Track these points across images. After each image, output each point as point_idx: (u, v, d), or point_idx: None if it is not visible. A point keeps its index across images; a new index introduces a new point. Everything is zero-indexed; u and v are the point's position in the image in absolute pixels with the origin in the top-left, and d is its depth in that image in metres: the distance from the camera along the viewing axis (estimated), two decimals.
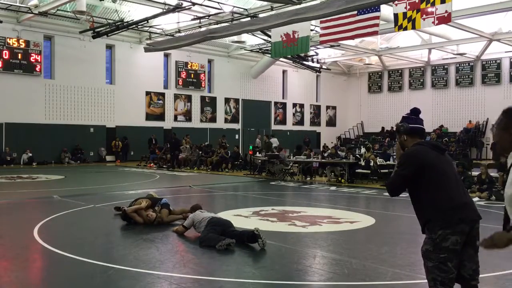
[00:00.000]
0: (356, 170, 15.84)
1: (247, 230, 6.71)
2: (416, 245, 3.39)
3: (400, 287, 4.90)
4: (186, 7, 18.68)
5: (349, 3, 9.44)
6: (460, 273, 3.24)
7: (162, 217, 7.92)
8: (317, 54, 27.22)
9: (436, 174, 3.26)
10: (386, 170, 15.52)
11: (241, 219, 8.59)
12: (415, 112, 3.59)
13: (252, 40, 26.20)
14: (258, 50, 26.58)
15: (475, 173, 13.88)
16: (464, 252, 3.22)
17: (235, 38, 23.95)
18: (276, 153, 17.89)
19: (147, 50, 14.58)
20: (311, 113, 36.21)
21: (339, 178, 15.93)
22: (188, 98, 28.91)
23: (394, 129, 3.73)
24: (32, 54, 22.67)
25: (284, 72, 34.02)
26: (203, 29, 20.43)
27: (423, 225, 3.32)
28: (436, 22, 11.88)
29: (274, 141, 22.99)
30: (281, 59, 26.63)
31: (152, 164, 22.35)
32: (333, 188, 14.44)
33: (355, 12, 12.96)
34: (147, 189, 13.04)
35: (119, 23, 19.93)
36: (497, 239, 2.82)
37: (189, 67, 28.58)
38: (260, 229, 6.49)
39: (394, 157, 16.96)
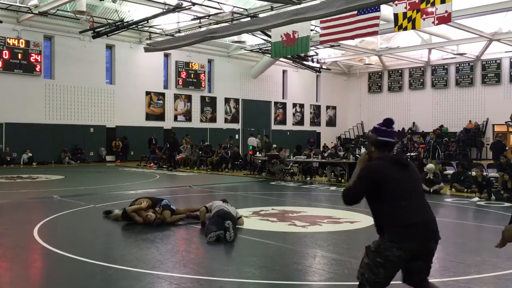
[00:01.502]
0: None
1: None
2: None
3: (400, 287, 4.90)
4: (186, 7, 18.69)
5: (349, 3, 9.44)
6: (409, 278, 3.29)
7: (162, 218, 7.91)
8: (317, 54, 27.23)
9: (392, 191, 3.19)
10: None
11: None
12: (388, 124, 3.42)
13: (252, 40, 26.21)
14: (258, 50, 26.59)
15: (474, 173, 13.87)
16: (413, 264, 3.22)
17: (235, 38, 23.94)
18: (276, 153, 17.89)
19: (147, 50, 14.56)
20: (311, 113, 36.22)
21: (339, 178, 15.93)
22: (188, 98, 28.91)
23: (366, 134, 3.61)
24: (32, 54, 22.67)
25: (284, 72, 34.03)
26: (203, 29, 20.43)
27: (377, 231, 3.32)
28: (436, 22, 11.88)
29: (252, 141, 23.11)
30: (281, 59, 26.64)
31: (152, 164, 22.34)
32: (333, 188, 14.43)
33: (355, 12, 12.95)
34: (147, 189, 13.07)
35: (119, 23, 19.93)
36: (505, 232, 2.86)
37: (189, 67, 28.59)
38: (230, 223, 6.78)
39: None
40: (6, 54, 21.93)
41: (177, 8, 18.38)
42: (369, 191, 3.24)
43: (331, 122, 37.69)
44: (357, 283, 3.33)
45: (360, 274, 3.28)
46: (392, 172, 3.23)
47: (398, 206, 3.17)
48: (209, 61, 30.07)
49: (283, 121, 34.24)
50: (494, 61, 30.22)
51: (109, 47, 25.75)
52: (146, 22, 19.95)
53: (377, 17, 13.34)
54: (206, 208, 7.81)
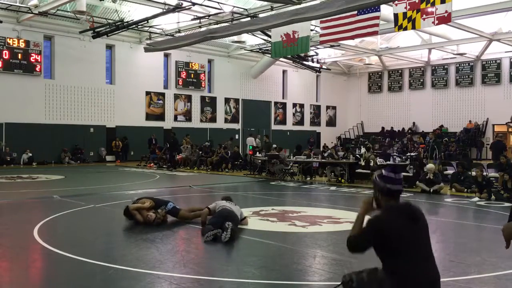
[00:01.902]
0: (356, 170, 15.84)
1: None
2: None
3: None
4: (186, 7, 18.68)
5: (349, 3, 9.44)
6: None
7: (162, 219, 7.90)
8: (317, 54, 27.23)
9: (399, 246, 3.10)
10: None
11: None
12: (394, 170, 3.35)
13: (252, 40, 26.21)
14: (258, 50, 26.59)
15: (474, 173, 13.86)
16: None
17: (235, 38, 23.94)
18: (276, 153, 17.89)
19: (147, 50, 14.56)
20: (311, 113, 36.22)
21: (339, 178, 15.92)
22: (188, 98, 28.92)
23: (372, 179, 3.51)
24: (32, 54, 22.67)
25: (284, 72, 34.03)
26: (203, 29, 20.43)
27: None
28: (436, 22, 11.87)
29: (250, 141, 23.15)
30: (281, 59, 26.64)
31: (152, 164, 22.35)
32: (333, 188, 14.43)
33: (355, 12, 12.94)
34: (147, 189, 13.07)
35: (119, 23, 19.93)
36: (504, 230, 2.85)
37: (189, 67, 28.59)
38: (231, 224, 6.75)
39: (394, 157, 16.97)
40: (6, 54, 21.93)
41: (177, 8, 18.38)
42: (376, 243, 3.19)
43: (331, 122, 37.68)
44: None
45: (349, 278, 3.24)
46: (400, 225, 3.14)
47: (404, 263, 3.09)
48: (209, 61, 30.07)
49: (283, 121, 34.23)
50: (494, 61, 30.22)
51: (109, 47, 25.75)
52: (146, 22, 19.94)
53: (377, 17, 13.33)
54: (209, 210, 7.63)
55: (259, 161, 19.14)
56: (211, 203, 7.85)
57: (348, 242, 3.31)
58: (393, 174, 3.32)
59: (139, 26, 21.21)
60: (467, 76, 31.40)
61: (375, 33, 14.11)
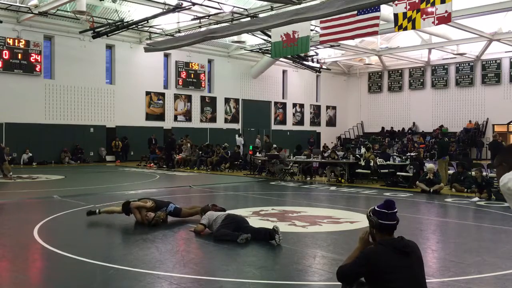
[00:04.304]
0: (356, 170, 15.84)
1: (264, 228, 6.92)
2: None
3: None
4: (186, 7, 18.69)
5: (349, 3, 9.44)
6: None
7: (161, 220, 7.90)
8: (317, 54, 27.23)
9: (389, 281, 3.10)
10: (386, 170, 15.53)
11: None
12: (389, 206, 3.34)
13: (252, 40, 26.21)
14: (258, 50, 26.60)
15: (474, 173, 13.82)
16: None
17: (235, 38, 23.95)
18: (276, 153, 17.89)
19: (147, 50, 14.56)
20: (311, 113, 36.22)
21: (339, 178, 15.92)
22: (188, 98, 28.92)
23: (366, 216, 3.54)
24: (32, 54, 22.68)
25: (284, 72, 34.04)
26: (203, 29, 20.43)
27: None
28: (436, 22, 11.87)
29: (239, 141, 23.15)
30: (281, 59, 26.64)
31: (152, 164, 22.35)
32: (333, 188, 14.43)
33: (355, 12, 12.94)
34: (147, 189, 13.07)
35: (119, 23, 19.93)
36: None
37: (189, 67, 28.60)
38: (278, 227, 6.66)
39: (395, 156, 16.97)
40: (6, 54, 21.94)
41: (177, 8, 18.38)
42: (367, 277, 3.19)
43: (331, 122, 37.69)
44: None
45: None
46: (391, 260, 3.14)
47: None
48: (209, 61, 30.08)
49: (283, 121, 34.24)
50: (494, 61, 30.23)
51: (109, 47, 25.75)
52: (146, 22, 19.95)
53: (377, 17, 13.32)
54: (204, 226, 7.20)
55: (259, 161, 19.14)
56: (204, 214, 7.45)
57: (337, 272, 3.33)
58: (386, 210, 3.32)
59: (139, 26, 21.22)
60: (467, 76, 31.41)
61: (375, 33, 14.11)
